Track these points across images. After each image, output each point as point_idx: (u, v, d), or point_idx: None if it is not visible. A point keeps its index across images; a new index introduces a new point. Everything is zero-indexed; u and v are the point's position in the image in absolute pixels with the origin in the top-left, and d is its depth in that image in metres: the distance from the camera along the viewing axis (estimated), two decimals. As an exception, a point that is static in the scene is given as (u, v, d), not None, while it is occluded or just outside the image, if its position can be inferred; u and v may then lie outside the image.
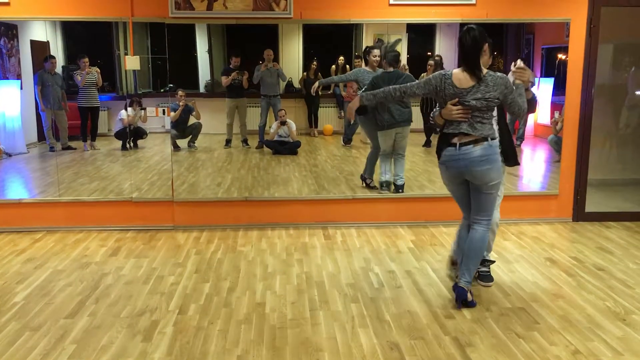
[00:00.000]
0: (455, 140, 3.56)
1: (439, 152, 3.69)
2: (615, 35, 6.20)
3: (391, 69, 5.64)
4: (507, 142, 3.80)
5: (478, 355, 3.08)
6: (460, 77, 3.52)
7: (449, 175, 3.68)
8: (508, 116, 3.85)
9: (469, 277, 3.66)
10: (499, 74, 3.51)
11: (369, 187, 5.92)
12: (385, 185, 5.80)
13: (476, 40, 3.45)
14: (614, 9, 5.49)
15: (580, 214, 5.70)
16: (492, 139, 3.55)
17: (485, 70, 3.50)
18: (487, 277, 4.06)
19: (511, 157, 3.83)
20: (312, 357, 3.07)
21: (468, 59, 3.48)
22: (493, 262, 4.16)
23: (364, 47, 6.50)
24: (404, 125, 5.74)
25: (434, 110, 3.71)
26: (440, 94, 3.58)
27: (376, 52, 5.86)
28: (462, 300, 3.65)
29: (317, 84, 6.36)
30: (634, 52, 6.61)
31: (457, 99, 3.50)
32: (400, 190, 5.75)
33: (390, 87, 3.77)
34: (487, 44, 3.56)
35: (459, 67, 3.56)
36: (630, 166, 6.91)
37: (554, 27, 5.73)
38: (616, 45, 6.51)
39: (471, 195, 3.70)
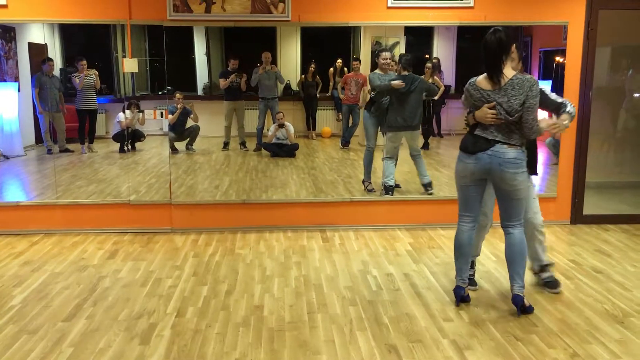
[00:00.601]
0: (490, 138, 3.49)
1: (465, 145, 3.59)
2: (613, 38, 6.21)
3: (406, 73, 5.68)
4: (532, 150, 3.74)
5: (476, 359, 3.07)
6: (484, 81, 3.50)
7: (472, 169, 3.54)
8: None
9: (521, 281, 3.56)
10: (527, 76, 3.42)
11: (368, 191, 5.92)
12: (390, 190, 5.76)
13: (501, 42, 3.38)
14: (611, 12, 5.51)
15: (578, 217, 5.71)
16: (522, 146, 3.50)
17: (512, 73, 3.43)
18: (552, 283, 3.99)
19: (533, 166, 3.78)
20: (310, 360, 3.06)
21: (490, 62, 3.42)
22: (552, 264, 4.06)
23: (362, 50, 6.50)
24: (412, 129, 5.78)
25: (469, 110, 3.67)
26: (471, 100, 3.58)
27: (386, 54, 5.83)
28: (520, 306, 3.55)
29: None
30: (631, 55, 6.62)
31: (493, 103, 3.43)
32: (429, 188, 5.79)
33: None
34: (514, 46, 3.48)
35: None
36: (628, 169, 6.92)
37: (552, 30, 5.73)
38: (614, 48, 6.52)
39: (499, 203, 3.63)
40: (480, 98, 3.50)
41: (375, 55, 5.99)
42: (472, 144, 3.55)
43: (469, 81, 3.61)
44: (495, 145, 3.47)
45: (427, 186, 5.83)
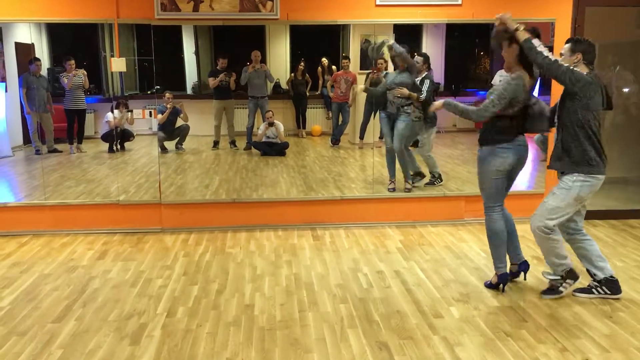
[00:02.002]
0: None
1: (501, 140, 3.78)
2: (600, 35, 6.25)
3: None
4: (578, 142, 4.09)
5: (467, 355, 3.09)
6: (526, 78, 3.73)
7: (512, 162, 3.84)
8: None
9: (520, 251, 4.12)
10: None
11: (391, 190, 5.88)
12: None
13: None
14: (598, 9, 5.55)
15: (566, 213, 5.73)
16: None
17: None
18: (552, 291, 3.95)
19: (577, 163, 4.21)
20: (301, 359, 3.06)
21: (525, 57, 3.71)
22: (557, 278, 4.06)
23: (351, 48, 6.51)
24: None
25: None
26: (517, 99, 3.68)
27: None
28: (527, 270, 4.07)
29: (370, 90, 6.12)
30: (618, 52, 6.67)
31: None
32: (418, 178, 6.02)
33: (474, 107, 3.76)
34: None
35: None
36: (615, 165, 6.93)
37: (539, 27, 5.76)
38: (601, 45, 6.55)
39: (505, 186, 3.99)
40: (525, 99, 3.76)
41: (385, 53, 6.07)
42: (503, 136, 3.91)
43: (519, 75, 3.70)
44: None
45: (417, 175, 5.93)
